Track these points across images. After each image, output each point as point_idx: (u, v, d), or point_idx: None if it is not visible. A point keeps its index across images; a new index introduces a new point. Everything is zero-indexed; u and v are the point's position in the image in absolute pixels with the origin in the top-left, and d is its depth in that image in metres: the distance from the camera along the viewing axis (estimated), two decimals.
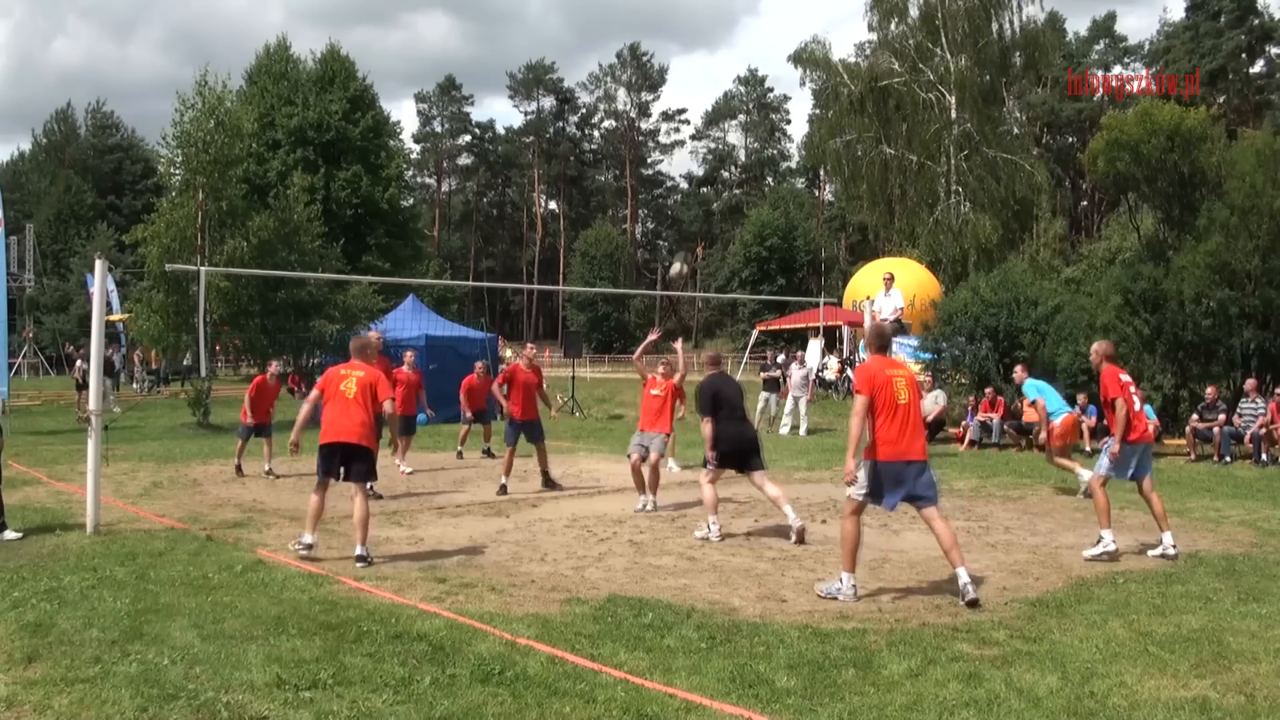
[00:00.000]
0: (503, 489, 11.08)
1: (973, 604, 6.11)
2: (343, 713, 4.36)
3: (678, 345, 10.85)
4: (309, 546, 7.52)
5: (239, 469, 12.66)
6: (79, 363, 25.60)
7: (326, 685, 4.67)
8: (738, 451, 8.57)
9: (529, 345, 13.05)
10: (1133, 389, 7.83)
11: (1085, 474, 10.52)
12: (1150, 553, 7.73)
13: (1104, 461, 7.95)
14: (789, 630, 5.63)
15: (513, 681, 4.73)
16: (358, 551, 7.32)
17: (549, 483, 11.57)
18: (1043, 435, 11.42)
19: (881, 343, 6.94)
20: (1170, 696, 4.58)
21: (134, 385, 32.50)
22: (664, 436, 10.19)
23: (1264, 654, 5.22)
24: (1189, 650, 5.27)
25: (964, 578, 6.24)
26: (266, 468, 12.66)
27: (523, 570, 7.25)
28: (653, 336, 11.08)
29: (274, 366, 13.77)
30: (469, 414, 14.88)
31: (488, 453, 14.93)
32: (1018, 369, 13.47)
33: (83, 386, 25.25)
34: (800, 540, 8.28)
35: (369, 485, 9.81)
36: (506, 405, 11.20)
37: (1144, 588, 6.69)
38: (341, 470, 7.45)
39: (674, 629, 5.65)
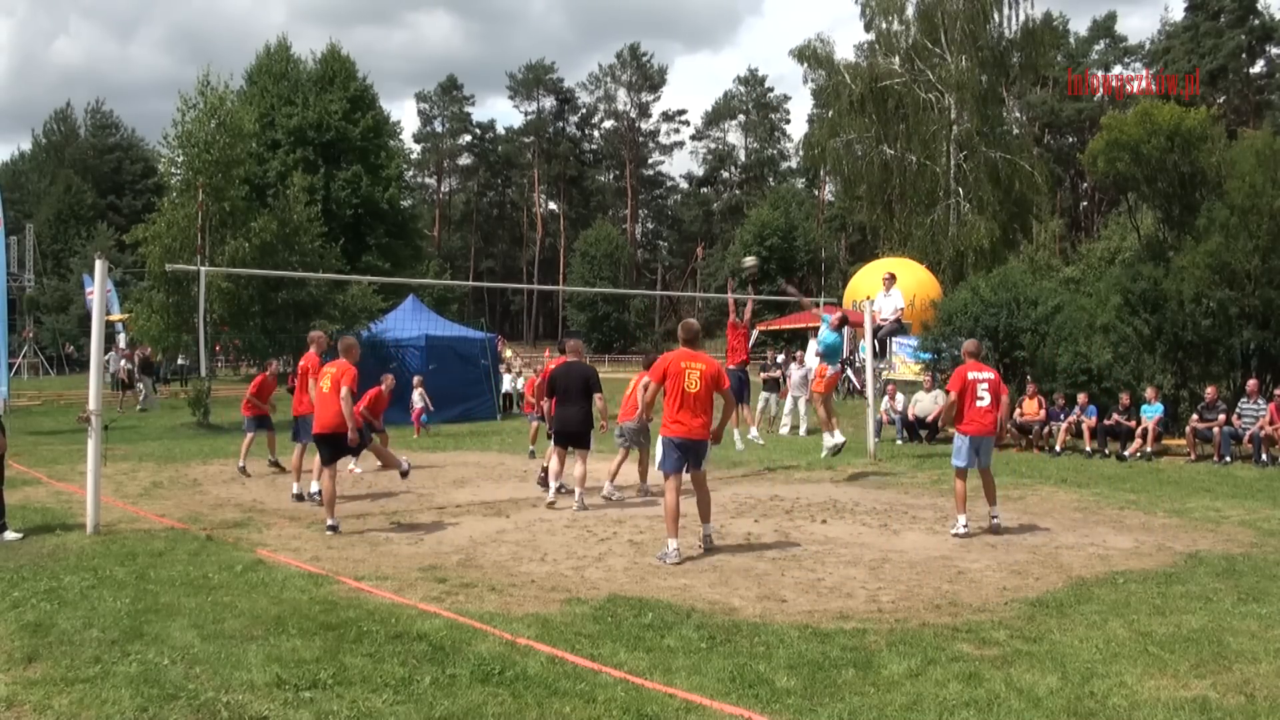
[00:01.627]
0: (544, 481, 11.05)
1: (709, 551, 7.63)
2: (343, 713, 4.36)
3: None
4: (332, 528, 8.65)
5: (243, 469, 12.65)
6: (123, 362, 25.57)
7: (326, 685, 4.67)
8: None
9: (572, 341, 13.32)
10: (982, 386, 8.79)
11: (836, 437, 12.50)
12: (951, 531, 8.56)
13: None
14: (789, 630, 5.63)
15: (513, 681, 4.73)
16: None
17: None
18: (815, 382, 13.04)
19: (688, 336, 7.99)
20: (1170, 696, 4.58)
21: (135, 385, 32.47)
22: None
23: (1264, 654, 5.22)
24: (1189, 650, 5.27)
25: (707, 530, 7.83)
26: (272, 458, 12.97)
27: (523, 570, 7.25)
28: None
29: (274, 365, 13.91)
30: (539, 410, 14.88)
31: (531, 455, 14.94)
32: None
33: (127, 386, 25.32)
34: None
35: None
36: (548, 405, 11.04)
37: (1144, 588, 6.69)
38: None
39: (674, 629, 5.65)
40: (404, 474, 9.53)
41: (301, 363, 11.33)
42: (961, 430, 8.81)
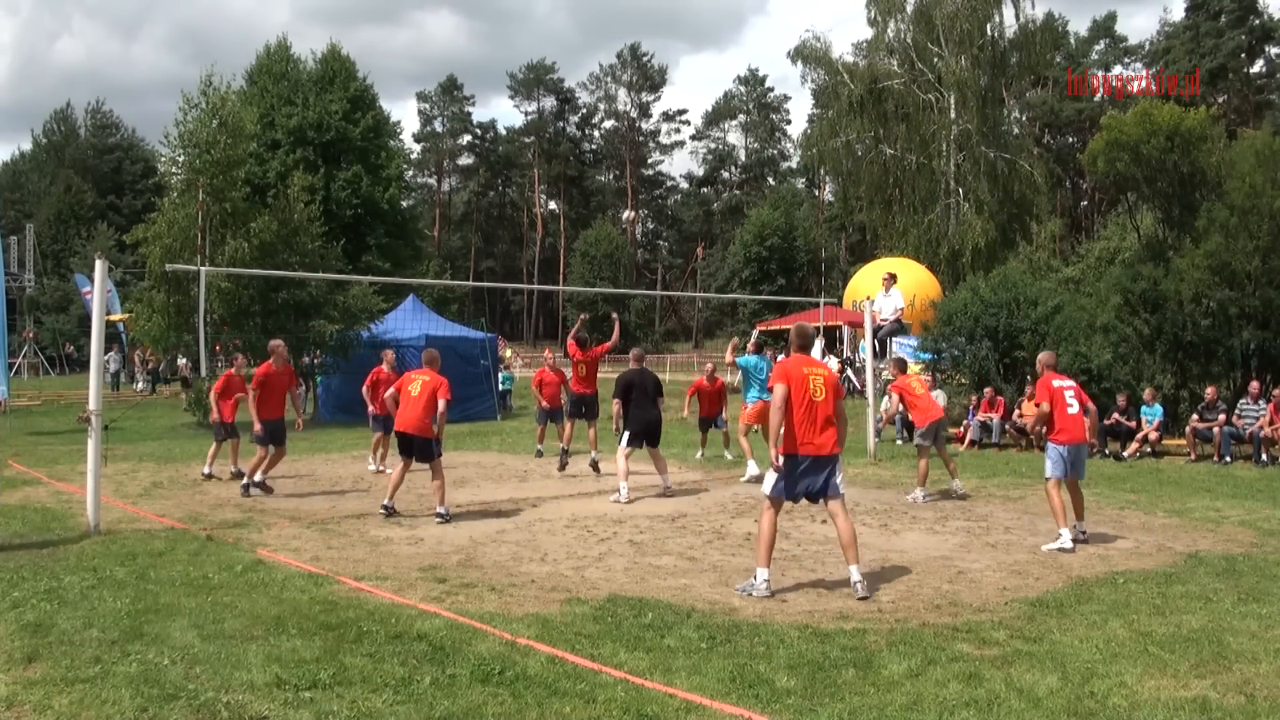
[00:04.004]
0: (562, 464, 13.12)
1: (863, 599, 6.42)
2: (343, 713, 4.36)
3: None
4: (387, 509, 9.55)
5: (210, 476, 12.28)
6: (183, 360, 25.48)
7: (326, 685, 4.67)
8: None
9: (636, 350, 13.72)
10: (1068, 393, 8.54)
11: (754, 468, 12.17)
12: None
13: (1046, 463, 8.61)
14: (789, 630, 5.63)
15: (513, 681, 4.73)
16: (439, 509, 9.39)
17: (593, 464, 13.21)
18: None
19: (802, 342, 7.17)
20: (1170, 696, 4.58)
21: (135, 385, 32.51)
22: None
23: (1264, 654, 5.22)
24: (1189, 650, 5.27)
25: (855, 575, 6.58)
26: (234, 469, 12.34)
27: (523, 570, 7.25)
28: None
29: (240, 360, 13.45)
30: (551, 407, 15.00)
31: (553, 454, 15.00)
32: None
33: (187, 384, 25.33)
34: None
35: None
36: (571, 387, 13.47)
37: (1144, 588, 6.69)
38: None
39: (674, 629, 5.65)
40: (444, 518, 9.38)
41: (258, 370, 11.46)
42: (1055, 440, 8.41)
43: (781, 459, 6.50)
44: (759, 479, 12.20)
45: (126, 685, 4.64)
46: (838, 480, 6.64)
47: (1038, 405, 8.60)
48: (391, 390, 9.87)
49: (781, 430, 6.49)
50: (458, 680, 4.75)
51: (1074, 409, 8.42)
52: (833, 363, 25.14)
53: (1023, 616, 5.97)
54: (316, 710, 4.38)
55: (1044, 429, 8.62)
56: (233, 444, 12.57)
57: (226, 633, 5.51)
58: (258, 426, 11.18)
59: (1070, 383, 8.70)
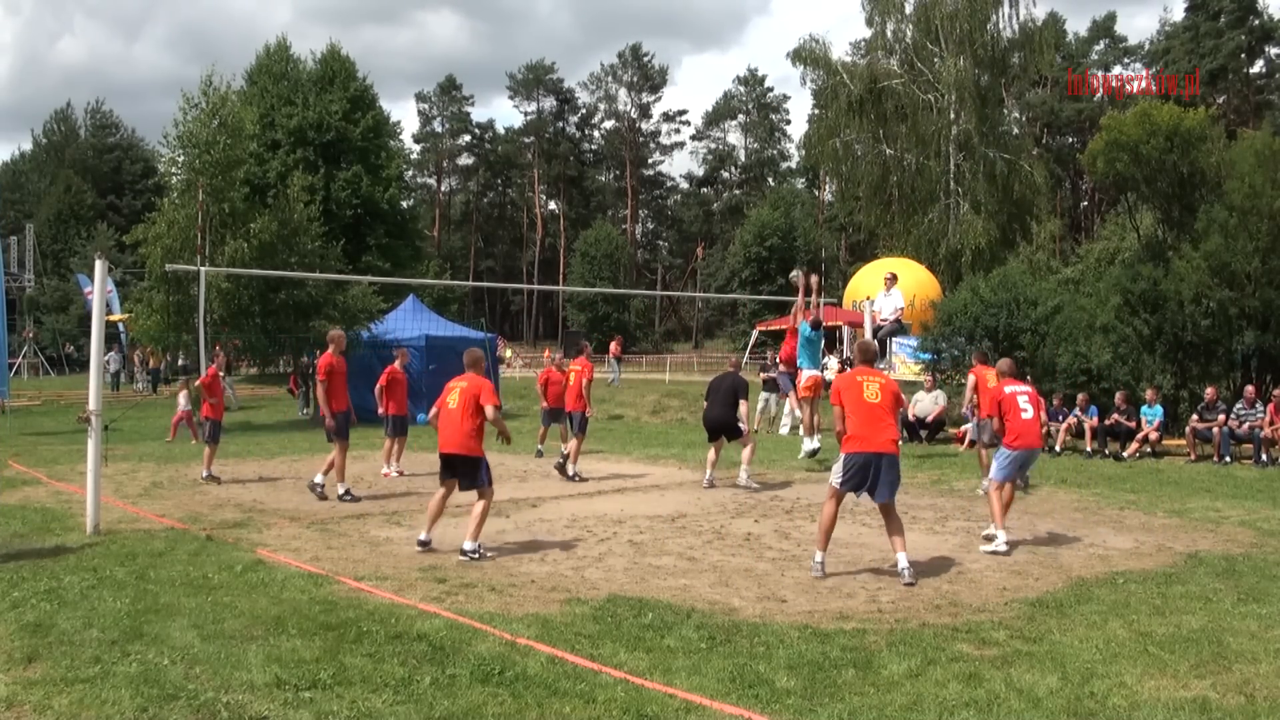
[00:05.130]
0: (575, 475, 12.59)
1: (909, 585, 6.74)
2: (343, 713, 4.36)
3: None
4: (424, 544, 7.92)
5: (213, 477, 12.04)
6: (219, 356, 25.43)
7: (326, 685, 4.67)
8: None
9: (585, 344, 14.75)
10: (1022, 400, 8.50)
11: (809, 444, 13.19)
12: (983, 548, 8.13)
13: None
14: (789, 630, 5.64)
15: (513, 681, 4.73)
16: (464, 545, 7.71)
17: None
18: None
19: (865, 358, 7.72)
20: (1170, 696, 4.58)
21: (135, 385, 32.51)
22: None
23: (1264, 654, 5.22)
24: (1189, 650, 5.27)
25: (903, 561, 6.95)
26: (206, 473, 12.04)
27: (523, 570, 7.25)
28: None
29: (220, 357, 13.24)
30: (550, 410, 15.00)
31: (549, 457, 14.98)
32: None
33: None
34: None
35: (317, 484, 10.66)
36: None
37: (1144, 588, 6.69)
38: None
39: (674, 629, 5.65)
40: (473, 556, 7.71)
41: (321, 361, 11.11)
42: (1010, 445, 8.35)
43: (841, 457, 7.12)
44: (814, 454, 13.10)
45: (126, 685, 4.64)
46: (889, 481, 7.03)
47: (989, 417, 8.78)
48: (433, 411, 7.96)
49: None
50: (458, 680, 4.75)
51: (1028, 414, 8.39)
52: (833, 363, 25.17)
53: (1023, 616, 5.97)
54: (316, 710, 4.38)
55: (997, 432, 8.66)
56: (212, 448, 12.33)
57: (226, 633, 5.51)
58: (330, 421, 10.69)
59: (1025, 388, 8.71)
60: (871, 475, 7.00)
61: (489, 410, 7.61)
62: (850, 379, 7.32)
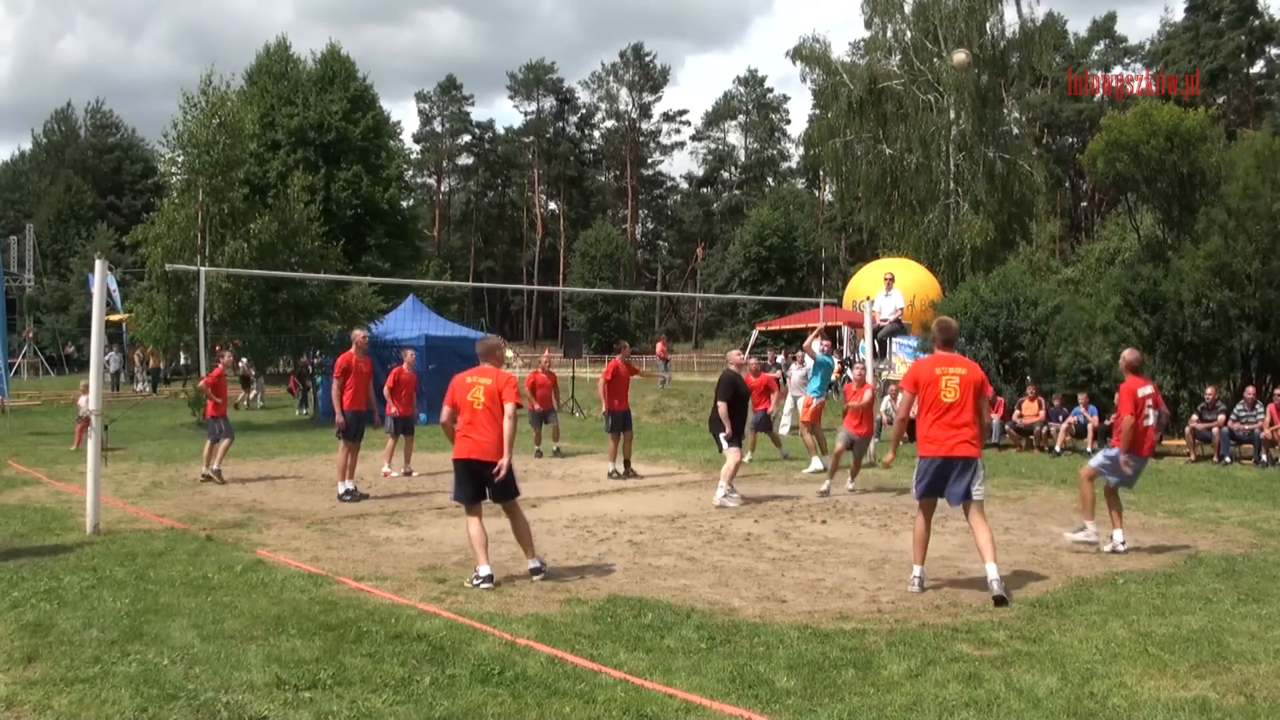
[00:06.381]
0: (612, 473, 12.55)
1: (1001, 601, 6.22)
2: (343, 713, 4.36)
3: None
4: (488, 578, 6.71)
5: (218, 473, 12.00)
6: (244, 360, 25.33)
7: (326, 685, 4.67)
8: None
9: (624, 345, 14.53)
10: (1149, 403, 7.95)
11: (817, 463, 12.98)
12: (1104, 547, 7.96)
13: (1099, 459, 8.28)
14: (789, 630, 5.63)
15: (513, 681, 4.73)
16: (531, 565, 6.97)
17: (629, 471, 12.74)
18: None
19: (946, 337, 6.85)
20: (1170, 697, 4.58)
21: (135, 385, 32.50)
22: None
23: (1264, 654, 5.22)
24: (1189, 650, 5.26)
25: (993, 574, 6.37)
26: (215, 468, 12.00)
27: (523, 570, 7.25)
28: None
29: (227, 356, 13.30)
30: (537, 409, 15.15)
31: (557, 452, 15.14)
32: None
33: (249, 381, 25.24)
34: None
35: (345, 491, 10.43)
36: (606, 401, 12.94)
37: (1144, 588, 6.69)
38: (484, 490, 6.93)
39: (674, 629, 5.65)
40: (543, 569, 7.05)
41: (339, 359, 11.19)
42: (1141, 453, 7.89)
43: (918, 461, 6.66)
44: (821, 473, 12.49)
45: (126, 685, 4.64)
46: (976, 486, 6.53)
47: (1122, 417, 7.92)
48: (447, 410, 6.91)
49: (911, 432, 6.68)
50: (457, 680, 4.75)
51: (1149, 421, 7.88)
52: (833, 362, 25.17)
53: (1023, 617, 5.97)
54: (316, 710, 4.37)
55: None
56: (225, 443, 12.33)
57: (226, 633, 5.51)
58: (340, 419, 10.68)
59: (1150, 389, 8.08)
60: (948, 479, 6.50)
61: (508, 409, 6.72)
62: (929, 370, 6.65)
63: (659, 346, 33.48)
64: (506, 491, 6.78)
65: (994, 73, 34.41)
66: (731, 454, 10.42)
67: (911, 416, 6.82)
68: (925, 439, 6.60)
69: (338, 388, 10.81)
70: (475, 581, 6.64)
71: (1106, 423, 15.48)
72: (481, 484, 6.78)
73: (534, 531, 8.79)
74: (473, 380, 6.87)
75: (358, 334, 11.50)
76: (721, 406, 10.45)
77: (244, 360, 24.19)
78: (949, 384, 6.52)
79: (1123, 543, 7.91)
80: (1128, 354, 8.37)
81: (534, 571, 6.89)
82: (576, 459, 14.85)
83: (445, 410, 6.93)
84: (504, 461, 6.66)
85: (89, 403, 16.02)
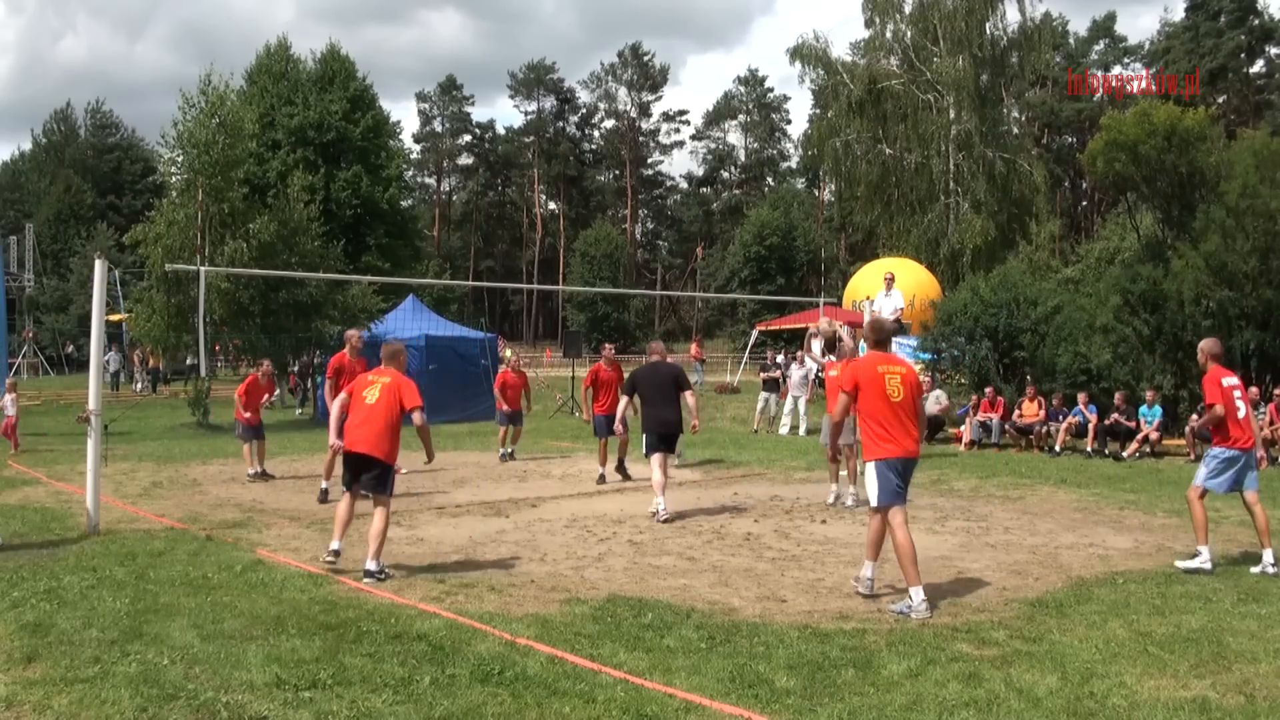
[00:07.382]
0: (601, 478, 12.14)
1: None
2: (342, 713, 4.36)
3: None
4: (335, 554, 7.14)
5: (263, 473, 12.27)
6: (266, 362, 25.39)
7: (326, 685, 4.67)
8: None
9: (607, 347, 14.20)
10: (1236, 393, 7.41)
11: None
12: (1253, 569, 7.22)
13: (1201, 471, 7.56)
14: (789, 630, 5.63)
15: (512, 681, 4.73)
16: (368, 565, 6.88)
17: (623, 473, 12.44)
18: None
19: (879, 336, 6.67)
20: (1170, 696, 4.58)
21: (135, 385, 32.49)
22: None
23: (1264, 654, 5.22)
24: (1189, 650, 5.27)
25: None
26: (257, 470, 12.30)
27: (523, 570, 7.25)
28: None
29: (266, 365, 13.49)
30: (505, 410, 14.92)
31: (509, 456, 14.70)
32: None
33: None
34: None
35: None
36: (590, 407, 12.77)
37: (1144, 588, 6.69)
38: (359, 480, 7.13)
39: (674, 629, 5.65)
40: (379, 577, 6.87)
41: (332, 360, 11.18)
42: (1231, 446, 7.27)
43: (876, 466, 6.23)
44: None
45: (126, 685, 4.64)
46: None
47: (1209, 406, 7.38)
48: (343, 396, 7.34)
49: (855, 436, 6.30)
50: (457, 680, 4.75)
51: (1243, 412, 7.31)
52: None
53: (1022, 616, 5.97)
54: (316, 710, 4.38)
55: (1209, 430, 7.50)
56: (259, 445, 12.48)
57: (226, 633, 5.51)
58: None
59: (1235, 380, 7.51)
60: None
61: (417, 416, 6.96)
62: (870, 369, 6.35)
63: (694, 348, 33.22)
64: (379, 485, 7.03)
65: (994, 72, 34.45)
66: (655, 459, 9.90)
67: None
68: (882, 439, 6.22)
69: (330, 388, 10.82)
70: (327, 558, 7.14)
71: (1106, 422, 15.51)
72: (358, 473, 7.09)
73: (535, 531, 8.84)
74: (374, 379, 7.24)
75: (352, 334, 11.47)
76: (689, 397, 10.16)
77: (266, 363, 24.28)
78: (892, 383, 6.28)
79: (1274, 563, 7.12)
80: (1207, 343, 7.65)
81: (366, 574, 6.82)
82: (576, 459, 14.84)
83: (336, 404, 7.41)
84: (389, 462, 7.03)
85: (10, 407, 15.85)
